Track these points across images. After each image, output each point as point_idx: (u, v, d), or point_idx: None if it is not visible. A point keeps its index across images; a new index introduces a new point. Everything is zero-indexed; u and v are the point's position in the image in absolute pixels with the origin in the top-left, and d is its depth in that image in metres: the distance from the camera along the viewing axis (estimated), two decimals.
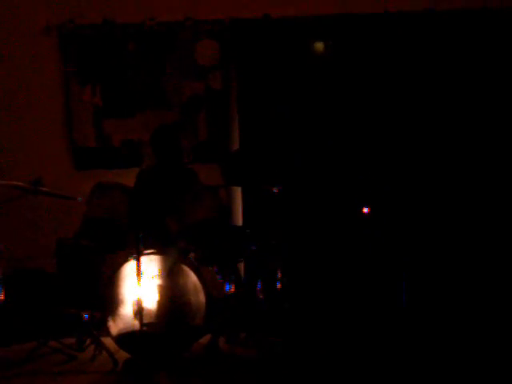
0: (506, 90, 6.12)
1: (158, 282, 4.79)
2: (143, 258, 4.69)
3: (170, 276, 4.80)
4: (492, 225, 5.99)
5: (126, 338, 4.78)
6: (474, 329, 5.09)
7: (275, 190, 5.14)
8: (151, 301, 4.76)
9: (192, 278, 4.80)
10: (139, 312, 4.59)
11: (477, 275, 5.81)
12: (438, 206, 5.99)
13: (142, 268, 4.62)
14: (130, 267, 4.79)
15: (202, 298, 4.77)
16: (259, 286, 5.10)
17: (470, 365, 4.48)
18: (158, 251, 4.86)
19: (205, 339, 4.94)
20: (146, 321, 4.62)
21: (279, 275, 5.05)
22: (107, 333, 4.83)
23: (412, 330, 5.00)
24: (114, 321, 4.81)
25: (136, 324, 4.63)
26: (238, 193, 6.16)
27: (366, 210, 5.33)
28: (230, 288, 5.01)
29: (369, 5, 6.13)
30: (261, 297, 5.09)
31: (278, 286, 5.05)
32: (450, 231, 5.96)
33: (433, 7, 6.09)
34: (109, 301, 4.83)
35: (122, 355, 4.78)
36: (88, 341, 5.00)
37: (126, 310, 4.79)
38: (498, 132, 6.11)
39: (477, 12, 6.12)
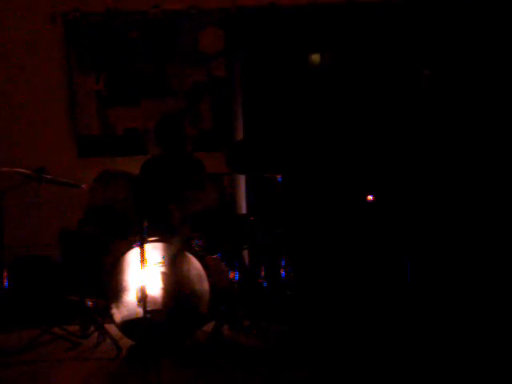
0: None
1: (161, 269, 4.78)
2: (147, 246, 4.68)
3: (174, 263, 4.80)
4: (495, 214, 6.00)
5: (130, 325, 4.77)
6: (478, 315, 5.09)
7: (279, 177, 5.13)
8: (155, 288, 4.76)
9: (196, 265, 4.79)
10: (143, 299, 4.57)
11: (479, 260, 5.81)
12: (442, 193, 5.99)
13: (146, 255, 4.62)
14: (133, 254, 4.78)
15: (205, 285, 4.76)
16: (263, 273, 5.10)
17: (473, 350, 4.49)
18: (162, 239, 4.85)
19: (208, 327, 4.94)
20: (149, 308, 4.60)
21: (283, 262, 5.05)
22: (111, 320, 4.81)
23: (416, 314, 5.00)
24: (118, 308, 4.80)
25: (140, 311, 4.62)
26: (241, 181, 6.17)
27: (370, 197, 5.33)
28: (233, 276, 5.01)
29: None
30: (265, 284, 5.09)
31: (282, 273, 5.05)
32: (453, 217, 5.96)
33: None
34: (112, 288, 4.81)
35: (126, 342, 4.78)
36: (92, 328, 5.00)
37: (130, 297, 4.78)
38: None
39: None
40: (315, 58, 6.27)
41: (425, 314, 5.04)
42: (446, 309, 5.17)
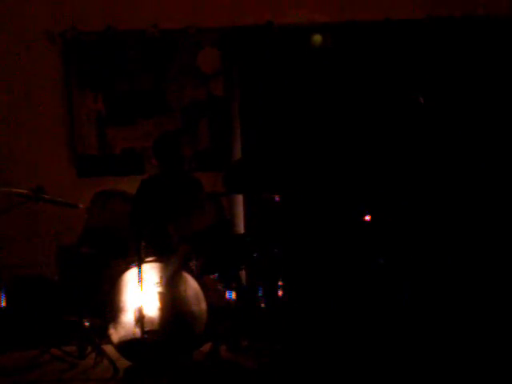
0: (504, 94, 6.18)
1: (159, 289, 4.78)
2: (144, 266, 4.68)
3: (172, 284, 4.80)
4: (494, 228, 6.00)
5: (127, 346, 4.77)
6: (476, 329, 5.08)
7: (277, 198, 5.13)
8: (152, 308, 4.75)
9: (193, 285, 4.79)
10: (140, 319, 4.59)
11: (479, 276, 5.80)
12: (440, 210, 5.98)
13: (144, 276, 4.62)
14: (131, 275, 4.78)
15: (203, 305, 4.77)
16: (260, 293, 5.09)
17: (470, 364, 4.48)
18: (160, 259, 4.85)
19: (206, 347, 4.92)
20: (147, 328, 4.61)
21: (280, 283, 5.04)
22: (108, 340, 4.82)
23: (414, 334, 4.99)
24: (115, 328, 4.80)
25: (137, 332, 4.63)
26: (239, 201, 6.17)
27: (367, 217, 5.33)
28: (231, 296, 5.00)
29: (369, 12, 6.15)
30: (262, 305, 5.08)
31: (279, 293, 5.04)
32: (452, 235, 5.95)
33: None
34: (110, 308, 4.82)
35: (123, 363, 4.78)
36: (89, 348, 4.99)
37: (127, 317, 4.78)
38: (497, 140, 6.13)
39: (474, 19, 6.16)
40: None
41: (425, 337, 5.02)
42: (449, 332, 5.15)
